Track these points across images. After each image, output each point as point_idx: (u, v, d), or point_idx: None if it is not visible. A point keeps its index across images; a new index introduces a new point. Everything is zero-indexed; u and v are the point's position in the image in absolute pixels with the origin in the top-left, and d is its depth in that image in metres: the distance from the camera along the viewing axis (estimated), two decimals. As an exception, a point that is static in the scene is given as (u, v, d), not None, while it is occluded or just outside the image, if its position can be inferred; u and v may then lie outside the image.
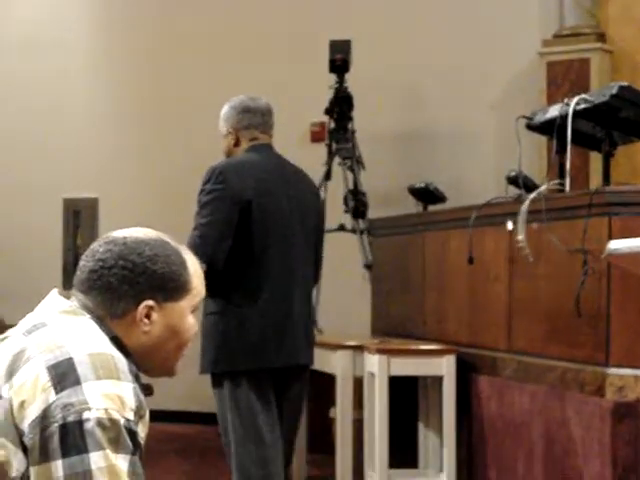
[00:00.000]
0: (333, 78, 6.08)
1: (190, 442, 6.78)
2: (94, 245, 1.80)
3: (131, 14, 7.38)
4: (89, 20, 7.58)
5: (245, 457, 3.55)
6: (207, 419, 6.68)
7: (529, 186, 4.57)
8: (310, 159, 5.61)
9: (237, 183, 3.59)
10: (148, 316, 1.77)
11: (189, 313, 1.83)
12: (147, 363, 1.80)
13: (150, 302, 1.76)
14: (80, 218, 7.54)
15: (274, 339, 3.61)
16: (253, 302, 3.58)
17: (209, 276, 3.38)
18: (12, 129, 7.61)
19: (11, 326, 1.80)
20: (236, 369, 3.58)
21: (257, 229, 3.60)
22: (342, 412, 5.11)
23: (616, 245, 3.74)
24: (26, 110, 7.63)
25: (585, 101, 4.19)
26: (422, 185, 5.71)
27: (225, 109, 3.84)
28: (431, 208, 5.74)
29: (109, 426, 1.58)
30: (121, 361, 1.68)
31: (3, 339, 1.76)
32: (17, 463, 1.60)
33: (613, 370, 3.85)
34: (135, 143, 7.36)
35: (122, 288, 1.75)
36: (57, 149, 7.54)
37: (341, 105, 6.01)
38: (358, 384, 5.13)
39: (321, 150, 6.20)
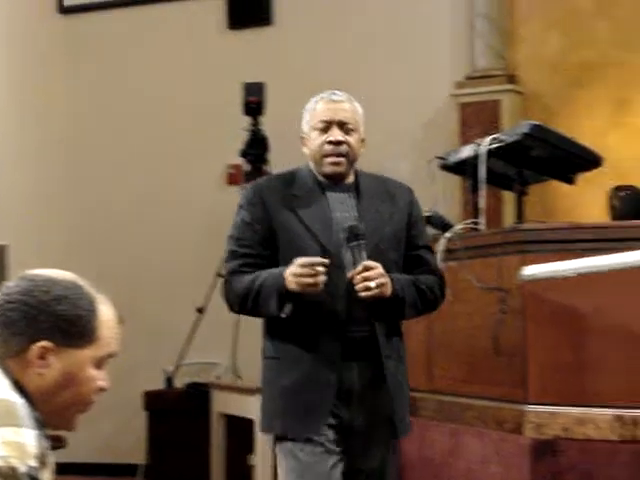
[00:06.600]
0: (248, 120, 6.06)
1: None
2: (9, 282, 1.73)
3: (44, 60, 7.28)
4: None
5: None
6: (122, 470, 6.53)
7: (445, 225, 4.58)
8: (226, 202, 5.56)
9: None
10: (43, 358, 1.68)
11: (91, 365, 1.73)
12: (43, 410, 1.69)
13: (45, 343, 1.68)
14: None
15: None
16: None
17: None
18: None
19: None
20: None
21: None
22: (262, 459, 5.02)
23: (530, 271, 3.78)
24: None
25: (498, 140, 4.23)
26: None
27: (362, 110, 3.22)
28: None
29: (10, 474, 1.51)
30: (22, 407, 1.60)
31: None
32: None
33: (531, 407, 3.86)
34: (45, 190, 7.22)
35: (20, 324, 1.67)
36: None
37: (256, 147, 5.99)
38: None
39: (237, 193, 6.16)
